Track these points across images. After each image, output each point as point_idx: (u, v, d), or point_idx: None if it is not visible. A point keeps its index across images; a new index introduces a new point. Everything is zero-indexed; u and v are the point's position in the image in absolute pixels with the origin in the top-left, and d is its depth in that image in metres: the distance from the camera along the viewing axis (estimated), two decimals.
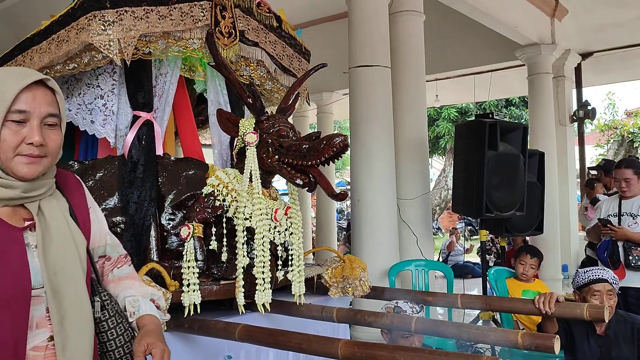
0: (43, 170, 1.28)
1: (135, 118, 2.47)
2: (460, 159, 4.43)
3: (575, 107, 8.26)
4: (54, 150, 1.29)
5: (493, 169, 4.14)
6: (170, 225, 2.41)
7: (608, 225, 3.92)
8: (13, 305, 1.21)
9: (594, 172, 6.90)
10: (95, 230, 1.46)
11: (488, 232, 4.64)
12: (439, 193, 14.13)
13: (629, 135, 16.97)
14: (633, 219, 3.92)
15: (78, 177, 1.51)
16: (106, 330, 1.40)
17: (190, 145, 2.94)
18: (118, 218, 2.35)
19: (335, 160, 2.21)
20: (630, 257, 3.80)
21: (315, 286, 3.17)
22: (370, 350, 1.80)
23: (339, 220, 14.59)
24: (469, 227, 14.52)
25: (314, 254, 8.23)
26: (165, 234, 2.41)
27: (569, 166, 8.09)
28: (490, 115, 4.34)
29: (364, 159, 4.52)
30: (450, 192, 13.29)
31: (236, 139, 2.49)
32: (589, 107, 8.14)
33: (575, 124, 8.35)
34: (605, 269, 2.89)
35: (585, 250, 5.97)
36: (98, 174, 2.37)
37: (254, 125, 2.36)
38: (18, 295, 1.22)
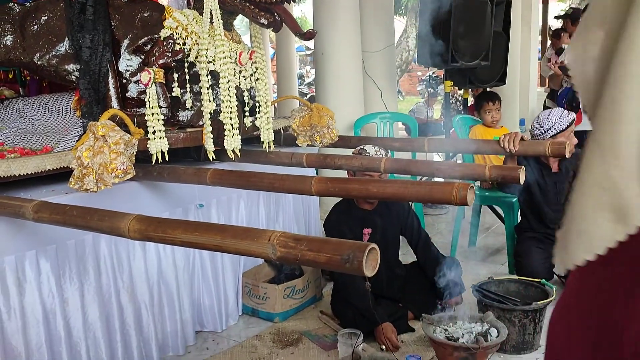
0: None
1: None
2: (426, 7, 4.26)
3: None
4: None
5: (460, 17, 4.01)
6: (129, 72, 2.28)
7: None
8: None
9: (560, 20, 6.82)
10: None
11: (452, 83, 4.63)
12: (400, 54, 13.85)
13: None
14: None
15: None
16: None
17: None
18: (72, 66, 2.21)
19: None
20: None
21: (282, 139, 3.15)
22: (343, 185, 1.82)
23: (300, 85, 14.34)
24: (429, 90, 14.52)
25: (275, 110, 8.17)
26: (124, 81, 2.29)
27: (532, 19, 7.99)
28: None
29: (328, 9, 4.31)
30: (411, 53, 13.09)
31: None
32: None
33: None
34: (564, 112, 2.96)
35: (545, 102, 6.08)
36: (43, 17, 2.18)
37: None
38: None
